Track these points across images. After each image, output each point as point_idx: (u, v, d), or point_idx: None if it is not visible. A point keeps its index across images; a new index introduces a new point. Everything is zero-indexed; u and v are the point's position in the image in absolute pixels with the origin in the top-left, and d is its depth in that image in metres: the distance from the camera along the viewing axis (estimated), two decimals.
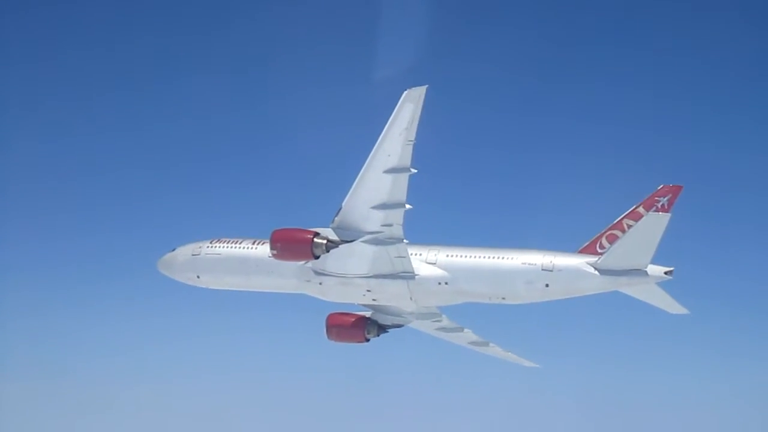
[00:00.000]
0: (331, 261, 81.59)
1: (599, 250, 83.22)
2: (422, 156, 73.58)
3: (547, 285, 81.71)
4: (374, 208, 75.84)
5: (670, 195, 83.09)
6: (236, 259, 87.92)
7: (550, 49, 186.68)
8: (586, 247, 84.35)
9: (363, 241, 79.02)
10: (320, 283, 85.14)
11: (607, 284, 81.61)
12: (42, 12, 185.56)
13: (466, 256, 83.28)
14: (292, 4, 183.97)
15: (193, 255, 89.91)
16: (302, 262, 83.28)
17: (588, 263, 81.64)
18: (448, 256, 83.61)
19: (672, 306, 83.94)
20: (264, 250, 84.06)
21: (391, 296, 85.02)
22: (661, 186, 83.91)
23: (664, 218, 78.28)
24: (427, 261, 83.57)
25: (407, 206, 75.49)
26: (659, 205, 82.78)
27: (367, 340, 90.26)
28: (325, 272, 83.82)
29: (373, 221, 77.11)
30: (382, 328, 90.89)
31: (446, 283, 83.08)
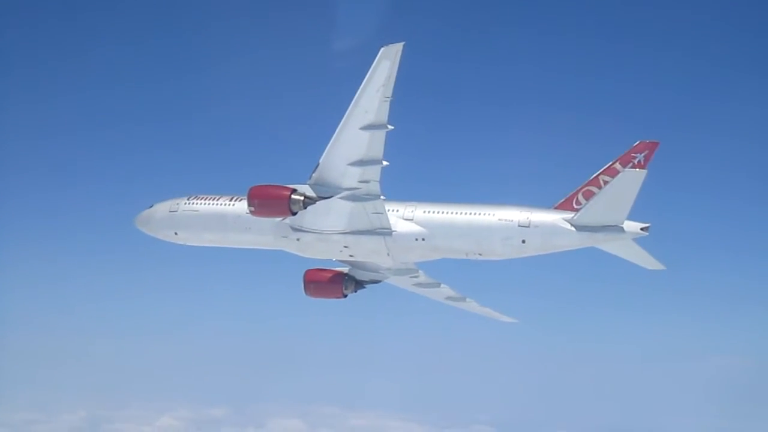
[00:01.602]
0: (308, 217, 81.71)
1: (576, 206, 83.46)
2: (398, 112, 73.67)
3: (523, 241, 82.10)
4: (351, 164, 75.92)
5: (646, 151, 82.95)
6: (214, 216, 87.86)
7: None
8: (562, 203, 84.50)
9: (340, 198, 79.15)
10: (298, 239, 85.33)
11: (584, 240, 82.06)
12: None
13: (442, 213, 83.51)
14: None
15: (170, 211, 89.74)
16: (280, 219, 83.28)
17: (564, 219, 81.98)
18: (425, 212, 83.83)
19: (648, 262, 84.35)
20: (242, 206, 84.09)
21: (368, 252, 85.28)
22: (638, 142, 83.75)
23: (640, 175, 78.43)
24: (404, 217, 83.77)
25: (384, 162, 75.62)
26: (636, 161, 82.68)
27: (345, 296, 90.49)
28: (303, 228, 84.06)
29: (350, 177, 77.21)
30: (359, 284, 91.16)
31: (423, 239, 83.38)
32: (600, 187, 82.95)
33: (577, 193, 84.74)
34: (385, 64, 69.94)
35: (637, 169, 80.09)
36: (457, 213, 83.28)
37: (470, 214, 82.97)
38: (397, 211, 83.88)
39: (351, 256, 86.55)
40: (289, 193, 79.07)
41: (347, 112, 73.01)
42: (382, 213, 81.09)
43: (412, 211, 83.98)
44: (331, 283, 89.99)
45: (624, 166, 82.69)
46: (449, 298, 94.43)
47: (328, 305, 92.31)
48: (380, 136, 73.48)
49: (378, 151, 74.63)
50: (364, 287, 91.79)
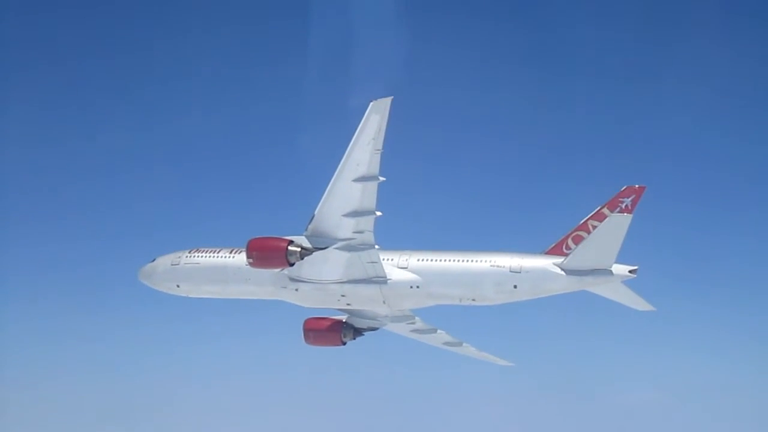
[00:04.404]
0: (305, 268, 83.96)
1: (566, 251, 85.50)
2: (390, 164, 76.18)
3: (515, 286, 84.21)
4: (345, 215, 78.43)
5: (633, 195, 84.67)
6: (215, 268, 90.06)
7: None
8: (552, 248, 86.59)
9: (336, 248, 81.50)
10: (296, 290, 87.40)
11: (574, 284, 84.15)
12: None
13: (436, 260, 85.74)
14: None
15: (172, 265, 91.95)
16: (278, 270, 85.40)
17: (555, 264, 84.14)
18: (419, 260, 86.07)
19: (638, 303, 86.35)
20: (241, 258, 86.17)
21: (364, 300, 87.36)
22: (625, 187, 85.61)
23: (626, 219, 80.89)
24: (399, 265, 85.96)
25: (377, 213, 78.12)
26: (623, 206, 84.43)
27: (344, 344, 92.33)
28: (301, 279, 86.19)
29: (344, 228, 79.67)
30: (357, 332, 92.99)
31: (418, 287, 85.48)
32: (589, 232, 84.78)
33: (566, 238, 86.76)
34: (375, 118, 72.85)
35: (624, 214, 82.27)
36: (450, 260, 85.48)
37: (463, 261, 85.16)
38: (392, 260, 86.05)
39: (348, 304, 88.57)
40: (285, 245, 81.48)
41: (340, 164, 75.83)
42: (377, 262, 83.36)
43: (407, 260, 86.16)
44: (330, 331, 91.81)
45: (612, 210, 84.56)
46: (446, 343, 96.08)
47: (327, 353, 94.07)
48: (372, 187, 76.10)
49: (371, 202, 77.17)
50: (362, 334, 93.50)
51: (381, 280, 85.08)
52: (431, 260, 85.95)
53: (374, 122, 72.93)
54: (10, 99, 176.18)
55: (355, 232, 79.82)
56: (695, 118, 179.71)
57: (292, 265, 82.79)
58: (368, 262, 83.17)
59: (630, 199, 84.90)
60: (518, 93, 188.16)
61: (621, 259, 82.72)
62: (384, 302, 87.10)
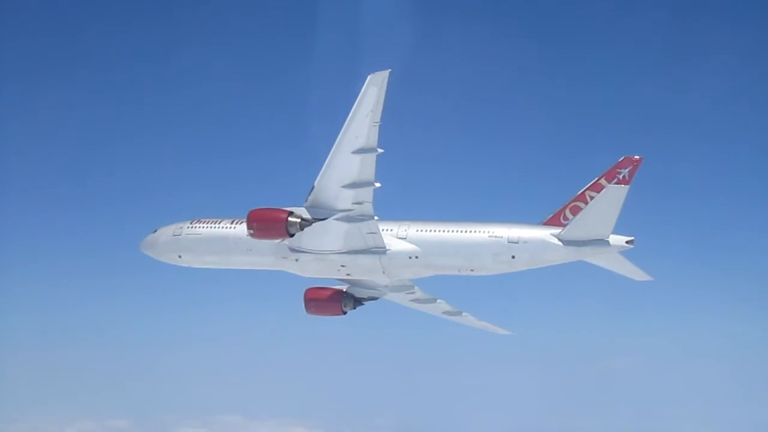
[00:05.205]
0: (306, 238, 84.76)
1: (563, 222, 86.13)
2: (388, 135, 76.76)
3: (513, 257, 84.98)
4: (345, 187, 79.14)
5: (630, 167, 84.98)
6: (216, 239, 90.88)
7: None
8: (550, 219, 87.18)
9: (335, 219, 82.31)
10: (297, 260, 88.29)
11: (572, 254, 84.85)
12: None
13: (435, 231, 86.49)
14: None
15: (174, 235, 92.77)
16: (279, 240, 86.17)
17: (552, 234, 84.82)
18: (417, 230, 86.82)
19: (635, 273, 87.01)
20: (242, 229, 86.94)
21: (364, 270, 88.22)
22: (623, 158, 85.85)
23: (622, 190, 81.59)
24: (398, 236, 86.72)
25: (376, 184, 78.81)
26: (620, 177, 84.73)
27: (344, 313, 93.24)
28: (301, 249, 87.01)
29: (344, 200, 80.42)
30: (358, 301, 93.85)
31: (416, 257, 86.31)
32: (586, 203, 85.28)
33: (564, 208, 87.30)
34: (373, 91, 73.36)
35: (620, 185, 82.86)
36: (448, 231, 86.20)
37: (461, 231, 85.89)
38: (391, 230, 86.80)
39: (348, 274, 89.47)
40: (286, 215, 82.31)
41: (339, 137, 76.43)
42: (376, 233, 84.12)
43: (406, 230, 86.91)
44: (331, 300, 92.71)
45: (609, 181, 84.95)
46: (446, 312, 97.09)
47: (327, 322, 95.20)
48: (371, 159, 76.74)
49: (369, 173, 77.84)
50: (362, 304, 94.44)
51: (380, 250, 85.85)
52: (430, 231, 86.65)
53: (372, 95, 73.42)
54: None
55: (354, 203, 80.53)
56: (692, 89, 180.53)
57: (292, 235, 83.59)
58: (367, 233, 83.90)
59: (627, 170, 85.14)
60: (516, 63, 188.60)
61: (618, 230, 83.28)
62: (383, 272, 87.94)
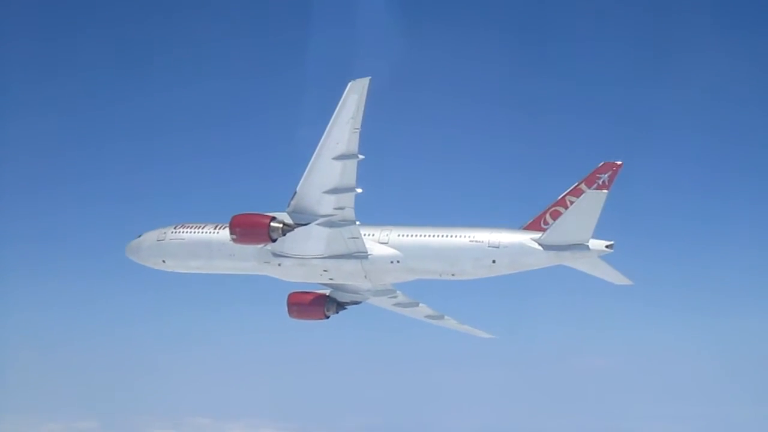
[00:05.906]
0: (288, 243, 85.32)
1: (543, 226, 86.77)
2: (369, 141, 77.37)
3: (494, 261, 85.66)
4: (326, 192, 79.67)
5: (610, 171, 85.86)
6: (199, 244, 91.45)
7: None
8: (530, 223, 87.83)
9: (317, 224, 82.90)
10: (279, 265, 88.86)
11: (552, 259, 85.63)
12: None
13: (416, 236, 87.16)
14: None
15: (158, 240, 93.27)
16: (261, 245, 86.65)
17: (532, 239, 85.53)
18: (399, 235, 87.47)
19: (616, 277, 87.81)
20: (225, 234, 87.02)
21: (346, 275, 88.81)
22: (603, 163, 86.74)
23: (601, 195, 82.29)
24: (380, 241, 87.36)
25: (358, 190, 79.43)
26: (600, 182, 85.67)
27: (327, 317, 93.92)
28: (284, 254, 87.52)
29: (325, 205, 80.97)
30: (340, 305, 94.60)
31: (398, 262, 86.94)
32: (566, 207, 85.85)
33: (544, 213, 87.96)
34: (353, 98, 73.95)
35: (600, 190, 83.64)
36: (429, 236, 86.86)
37: (442, 236, 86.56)
38: (373, 235, 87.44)
39: (331, 279, 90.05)
40: (268, 221, 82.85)
41: (320, 143, 76.91)
42: (358, 237, 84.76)
43: (387, 235, 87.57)
44: (314, 305, 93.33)
45: (589, 186, 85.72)
46: (428, 316, 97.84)
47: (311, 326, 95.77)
48: (352, 165, 77.30)
49: (351, 179, 78.40)
50: (345, 308, 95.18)
51: (362, 255, 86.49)
52: (411, 236, 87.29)
53: (352, 102, 73.98)
54: None
55: (336, 209, 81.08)
56: (674, 95, 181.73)
57: (274, 240, 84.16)
58: (349, 238, 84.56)
59: (607, 175, 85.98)
60: (499, 62, 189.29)
61: (598, 235, 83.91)
62: (365, 277, 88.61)
